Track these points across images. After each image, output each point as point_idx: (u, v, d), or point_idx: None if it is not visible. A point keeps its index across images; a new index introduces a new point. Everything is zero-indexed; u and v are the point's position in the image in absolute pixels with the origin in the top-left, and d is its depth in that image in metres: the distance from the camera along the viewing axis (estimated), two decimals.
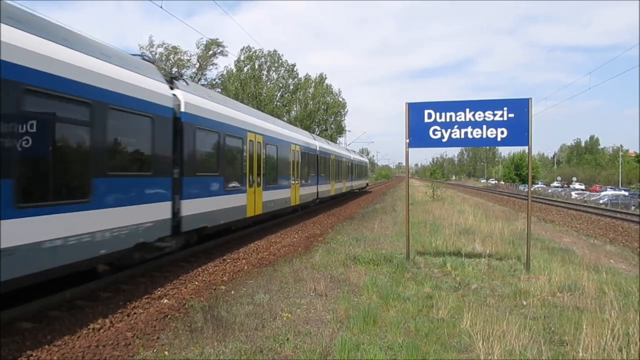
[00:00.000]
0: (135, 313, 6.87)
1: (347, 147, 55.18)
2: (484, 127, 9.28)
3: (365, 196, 42.31)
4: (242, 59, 60.81)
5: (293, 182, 18.83)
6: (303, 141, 21.31)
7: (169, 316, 6.66)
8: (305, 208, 22.91)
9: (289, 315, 6.30)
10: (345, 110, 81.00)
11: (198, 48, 47.34)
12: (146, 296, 7.70)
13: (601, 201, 41.55)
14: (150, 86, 8.57)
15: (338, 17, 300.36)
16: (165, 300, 7.53)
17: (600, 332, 5.10)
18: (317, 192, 23.88)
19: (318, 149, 24.50)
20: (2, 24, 5.45)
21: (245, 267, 10.07)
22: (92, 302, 7.21)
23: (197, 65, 47.59)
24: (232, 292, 7.73)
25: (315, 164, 23.71)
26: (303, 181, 20.55)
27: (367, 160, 56.52)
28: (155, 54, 45.01)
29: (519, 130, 9.13)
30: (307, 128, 73.75)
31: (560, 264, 9.46)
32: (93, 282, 7.84)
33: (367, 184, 51.98)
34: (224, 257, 11.12)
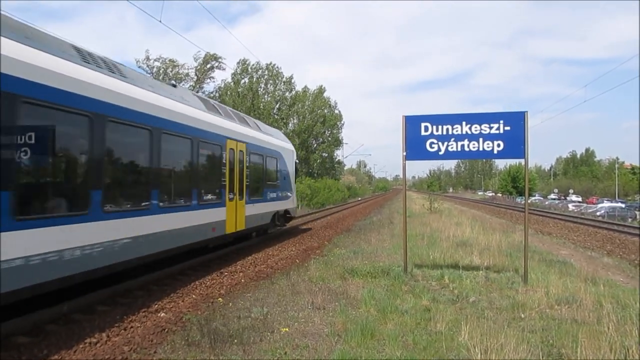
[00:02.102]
0: (132, 327, 6.83)
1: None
2: (481, 140, 9.35)
3: (362, 209, 42.31)
4: (238, 71, 61.24)
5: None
6: None
7: (166, 330, 6.62)
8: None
9: (287, 329, 6.28)
10: (342, 122, 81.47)
11: (196, 61, 47.61)
12: (143, 310, 7.66)
13: (598, 213, 41.62)
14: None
15: (339, 30, 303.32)
16: (163, 314, 7.50)
17: (598, 344, 5.11)
18: None
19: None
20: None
21: (243, 280, 10.03)
22: (89, 316, 7.17)
23: (195, 79, 47.77)
24: (230, 306, 7.70)
25: None
26: None
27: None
28: (153, 67, 45.21)
29: (515, 143, 9.20)
30: (305, 141, 74.08)
31: (558, 277, 9.46)
32: (90, 295, 7.81)
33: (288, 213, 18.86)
34: (222, 270, 11.09)
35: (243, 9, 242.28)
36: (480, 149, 9.36)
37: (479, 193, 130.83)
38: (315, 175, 70.88)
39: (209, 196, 11.18)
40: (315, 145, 77.92)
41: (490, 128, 9.30)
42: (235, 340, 5.77)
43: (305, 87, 75.34)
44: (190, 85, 47.52)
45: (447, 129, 9.50)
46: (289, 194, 18.55)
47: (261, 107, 60.32)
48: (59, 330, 6.46)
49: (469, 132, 9.39)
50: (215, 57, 48.00)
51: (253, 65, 62.14)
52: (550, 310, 7.14)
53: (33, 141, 5.97)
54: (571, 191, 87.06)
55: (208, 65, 48.15)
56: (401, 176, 10.81)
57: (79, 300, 7.52)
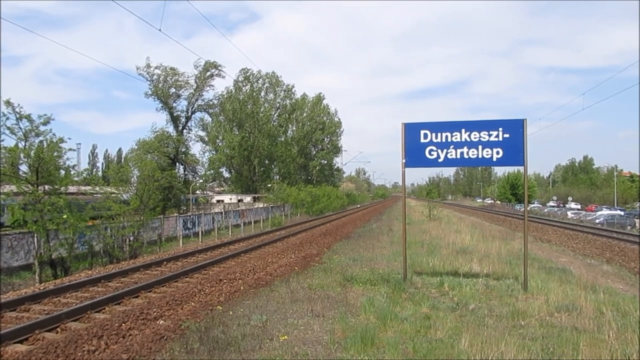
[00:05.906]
0: (130, 334, 6.79)
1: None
2: (480, 147, 9.37)
3: (361, 216, 42.27)
4: (240, 79, 61.55)
5: None
6: None
7: (164, 337, 6.58)
8: None
9: (286, 337, 6.25)
10: (341, 129, 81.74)
11: (196, 69, 47.74)
12: (142, 317, 7.62)
13: (597, 221, 41.57)
14: None
15: (338, 40, 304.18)
16: (161, 321, 7.46)
17: (599, 352, 5.09)
18: None
19: None
20: None
21: (242, 288, 9.99)
22: (87, 324, 7.14)
23: (195, 86, 47.85)
24: (229, 313, 7.67)
25: None
26: None
27: None
28: (153, 74, 45.31)
29: (514, 151, 9.22)
30: (304, 148, 74.27)
31: (558, 284, 9.44)
32: (88, 304, 7.77)
33: None
34: (221, 278, 11.05)
35: (242, 17, 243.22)
36: (480, 156, 9.38)
37: (478, 200, 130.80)
38: (314, 182, 70.92)
39: None
40: (314, 152, 78.11)
41: (490, 135, 9.32)
42: (234, 348, 5.74)
43: (304, 94, 75.79)
44: (190, 93, 47.60)
45: (446, 137, 9.52)
46: None
47: (261, 114, 60.53)
48: (57, 339, 6.43)
49: (468, 139, 9.41)
50: (215, 65, 48.13)
51: (254, 74, 62.55)
52: (550, 317, 7.12)
53: None
54: (570, 199, 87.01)
55: (208, 73, 48.25)
56: (400, 183, 10.82)
57: (76, 308, 7.49)
